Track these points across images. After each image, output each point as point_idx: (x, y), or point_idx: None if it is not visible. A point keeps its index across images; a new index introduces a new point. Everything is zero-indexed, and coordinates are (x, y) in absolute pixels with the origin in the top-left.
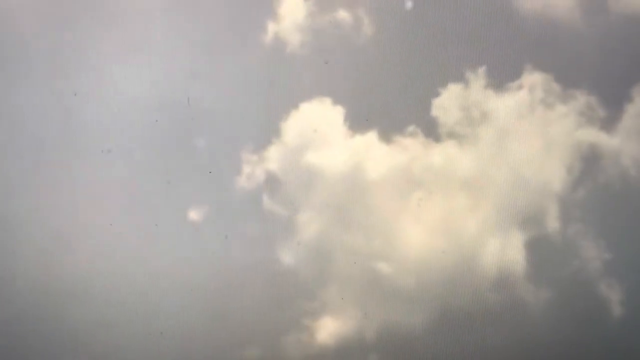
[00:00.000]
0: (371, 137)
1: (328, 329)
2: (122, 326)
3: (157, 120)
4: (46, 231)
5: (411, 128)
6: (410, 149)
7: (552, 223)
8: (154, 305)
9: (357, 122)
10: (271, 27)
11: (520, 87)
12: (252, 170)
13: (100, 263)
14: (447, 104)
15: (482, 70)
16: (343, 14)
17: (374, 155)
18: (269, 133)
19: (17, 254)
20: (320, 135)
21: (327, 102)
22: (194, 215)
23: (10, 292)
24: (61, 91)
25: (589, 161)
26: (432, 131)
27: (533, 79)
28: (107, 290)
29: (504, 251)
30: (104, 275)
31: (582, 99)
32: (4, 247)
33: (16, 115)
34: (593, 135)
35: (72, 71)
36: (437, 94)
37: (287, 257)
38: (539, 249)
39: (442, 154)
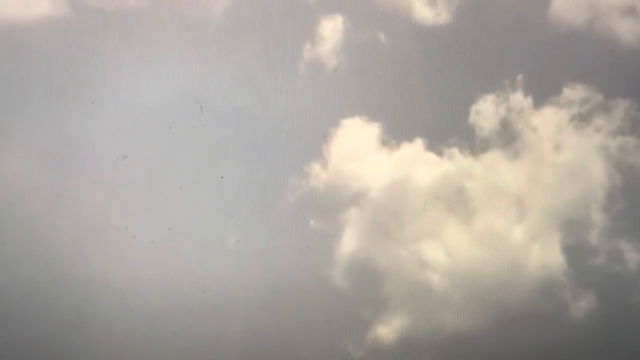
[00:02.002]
0: (413, 150)
1: (377, 340)
2: (136, 326)
3: (170, 128)
4: (63, 234)
5: (452, 140)
6: (453, 160)
7: (595, 230)
8: (168, 307)
9: (397, 136)
10: (307, 44)
11: (561, 97)
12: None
13: (116, 265)
14: (487, 114)
15: (522, 80)
16: (380, 32)
17: (417, 168)
18: (285, 139)
19: (33, 258)
20: (362, 151)
21: (366, 117)
22: (205, 219)
23: (26, 294)
24: (79, 100)
25: (631, 169)
26: (472, 142)
27: (574, 89)
28: (122, 292)
29: (548, 258)
30: (119, 277)
31: (623, 107)
32: (20, 251)
33: (36, 123)
34: (635, 143)
35: (89, 81)
36: (476, 105)
37: (328, 269)
38: (582, 255)
39: (485, 164)
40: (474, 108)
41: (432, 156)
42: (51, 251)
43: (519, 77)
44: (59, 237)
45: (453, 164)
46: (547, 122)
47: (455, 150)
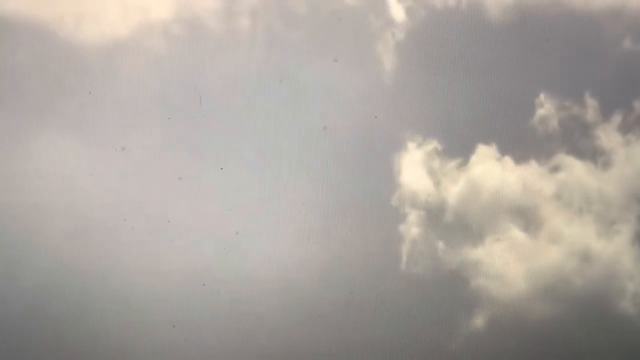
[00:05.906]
0: (483, 157)
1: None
2: (135, 319)
3: (169, 118)
4: (61, 227)
5: (521, 145)
6: (523, 165)
7: None
8: (167, 299)
9: (461, 147)
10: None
11: (628, 103)
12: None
13: (114, 257)
14: (553, 119)
15: (588, 85)
16: (440, 47)
17: (489, 177)
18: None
19: (31, 250)
20: (426, 165)
21: (430, 129)
22: (204, 210)
23: (25, 287)
24: (76, 90)
25: None
26: (540, 147)
27: None
28: (120, 284)
29: (620, 254)
30: (117, 269)
31: None
32: (19, 243)
33: (33, 114)
34: None
35: (87, 71)
36: (542, 109)
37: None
38: None
39: (552, 168)
40: (539, 113)
41: (502, 162)
42: (48, 243)
43: (584, 81)
44: (56, 229)
45: (524, 168)
46: (614, 127)
47: (524, 155)
